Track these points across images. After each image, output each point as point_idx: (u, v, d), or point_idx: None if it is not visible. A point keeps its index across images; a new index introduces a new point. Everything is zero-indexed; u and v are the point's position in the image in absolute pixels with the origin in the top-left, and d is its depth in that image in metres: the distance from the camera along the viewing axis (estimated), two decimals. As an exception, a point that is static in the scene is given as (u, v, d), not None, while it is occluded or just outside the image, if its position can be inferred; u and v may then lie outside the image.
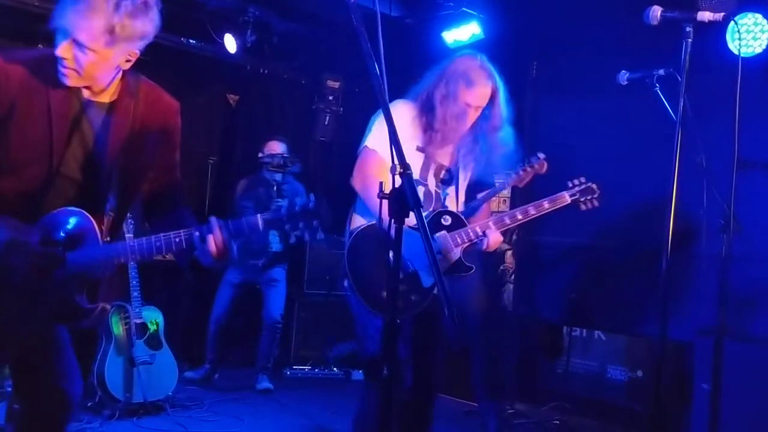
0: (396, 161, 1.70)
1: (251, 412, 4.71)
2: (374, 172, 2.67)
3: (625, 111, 4.28)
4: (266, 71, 6.61)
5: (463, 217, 2.83)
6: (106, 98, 2.11)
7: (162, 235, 2.05)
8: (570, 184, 2.99)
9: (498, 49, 4.59)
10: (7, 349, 2.12)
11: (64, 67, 1.96)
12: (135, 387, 4.32)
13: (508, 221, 2.84)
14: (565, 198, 2.96)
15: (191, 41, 6.02)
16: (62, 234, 2.03)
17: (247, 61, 6.34)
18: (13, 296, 1.99)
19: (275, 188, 5.32)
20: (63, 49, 1.93)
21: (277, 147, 5.45)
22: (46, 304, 2.04)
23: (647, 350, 4.62)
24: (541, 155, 3.19)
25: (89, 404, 4.30)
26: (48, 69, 1.99)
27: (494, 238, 2.79)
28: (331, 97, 6.58)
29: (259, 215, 2.05)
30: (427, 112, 2.82)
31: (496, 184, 3.17)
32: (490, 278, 4.50)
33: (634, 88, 3.07)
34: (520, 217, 2.87)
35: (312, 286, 6.07)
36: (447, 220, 2.79)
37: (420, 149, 2.84)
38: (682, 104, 2.56)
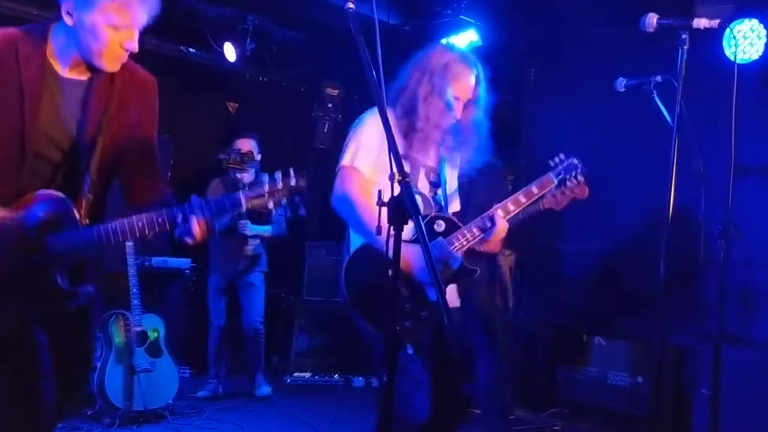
0: (395, 169, 1.70)
1: (251, 419, 4.71)
2: (356, 188, 2.56)
3: (622, 117, 4.30)
4: (265, 79, 6.64)
5: (455, 219, 2.70)
6: (84, 75, 2.07)
7: (144, 215, 2.01)
8: (552, 163, 2.83)
9: (496, 56, 4.60)
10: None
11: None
12: (135, 395, 4.32)
13: (501, 213, 2.68)
14: (551, 179, 2.79)
15: (191, 50, 6.05)
16: (39, 217, 1.98)
17: (247, 69, 6.37)
18: None
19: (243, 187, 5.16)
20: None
21: (245, 144, 5.19)
22: (27, 290, 2.00)
23: (648, 355, 4.62)
24: (580, 177, 2.85)
25: (89, 412, 4.31)
26: (19, 47, 1.97)
27: (503, 227, 2.65)
28: (330, 105, 6.60)
29: (241, 192, 2.03)
30: (408, 113, 2.67)
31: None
32: (498, 284, 4.41)
33: (631, 95, 3.08)
34: (512, 207, 2.70)
35: (311, 293, 6.08)
36: (440, 226, 2.64)
37: (404, 156, 2.64)
38: (678, 110, 2.58)
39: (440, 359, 2.64)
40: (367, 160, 2.60)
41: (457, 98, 2.67)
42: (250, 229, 5.10)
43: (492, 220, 2.66)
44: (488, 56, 2.87)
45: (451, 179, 2.86)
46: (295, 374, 5.95)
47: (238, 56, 6.02)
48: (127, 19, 1.98)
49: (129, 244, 4.36)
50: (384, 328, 2.46)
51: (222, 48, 5.98)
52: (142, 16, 2.00)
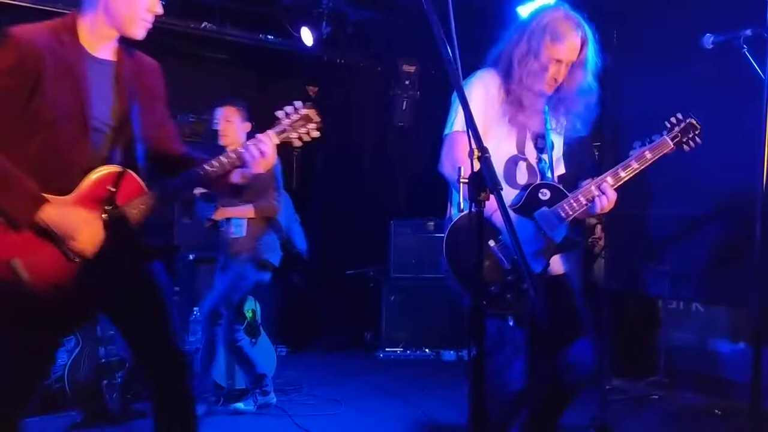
0: (474, 145, 1.71)
1: (347, 394, 4.84)
2: (464, 155, 2.58)
3: (711, 75, 4.11)
4: (343, 61, 6.71)
5: (561, 187, 2.57)
6: (112, 56, 2.30)
7: (214, 160, 2.27)
8: (668, 125, 2.63)
9: (575, 20, 4.49)
10: (96, 306, 2.32)
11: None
12: (237, 373, 4.52)
13: (611, 181, 2.56)
14: (667, 143, 2.59)
15: (269, 37, 6.18)
16: (111, 190, 2.21)
17: (324, 52, 6.46)
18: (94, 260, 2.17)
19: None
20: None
21: (219, 112, 4.41)
22: (125, 254, 2.24)
23: (749, 320, 4.45)
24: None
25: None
26: (60, 35, 2.18)
27: (612, 197, 2.53)
28: (407, 82, 6.61)
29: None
30: (506, 76, 2.61)
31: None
32: (588, 254, 4.34)
33: (720, 51, 2.95)
34: (622, 174, 2.56)
35: (398, 270, 6.17)
36: (545, 195, 2.53)
37: (511, 121, 2.63)
38: (770, 64, 2.46)
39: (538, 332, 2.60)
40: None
41: (558, 61, 2.56)
42: (211, 209, 4.35)
43: (600, 188, 2.53)
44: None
45: (557, 145, 2.77)
46: (387, 349, 6.07)
47: (315, 40, 6.11)
48: None
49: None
50: (475, 300, 2.49)
51: (299, 33, 6.08)
52: None
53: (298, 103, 2.32)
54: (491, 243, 2.48)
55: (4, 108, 2.09)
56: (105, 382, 3.99)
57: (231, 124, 4.36)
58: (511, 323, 2.50)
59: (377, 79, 6.96)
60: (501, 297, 2.43)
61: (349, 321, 6.50)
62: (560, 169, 2.82)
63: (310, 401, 4.68)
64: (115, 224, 2.20)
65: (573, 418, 4.33)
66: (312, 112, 2.32)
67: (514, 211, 2.53)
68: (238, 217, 4.37)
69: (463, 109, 1.79)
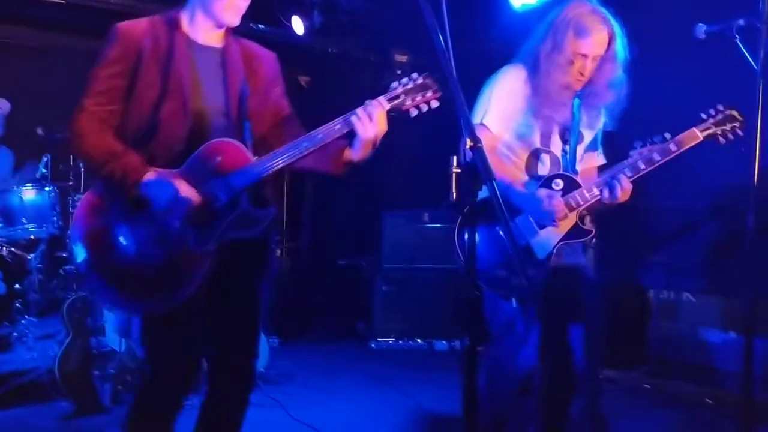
0: (466, 135, 1.71)
1: (340, 384, 4.86)
2: (486, 148, 2.58)
3: (704, 65, 4.11)
4: (335, 50, 6.68)
5: (576, 178, 2.63)
6: (217, 42, 2.38)
7: (319, 128, 2.27)
8: (703, 116, 2.62)
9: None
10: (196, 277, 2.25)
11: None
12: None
13: (629, 173, 2.58)
14: (696, 135, 2.59)
15: (260, 26, 6.14)
16: (219, 161, 2.21)
17: (316, 41, 6.43)
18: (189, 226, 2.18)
19: None
20: None
21: None
22: (225, 224, 2.21)
23: (740, 310, 4.48)
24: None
25: (188, 382, 4.54)
26: (163, 25, 2.30)
27: (627, 188, 2.57)
28: (399, 72, 6.59)
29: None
30: (533, 71, 2.66)
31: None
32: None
33: (713, 41, 2.94)
34: (643, 166, 2.57)
35: (391, 261, 6.16)
36: (558, 185, 2.59)
37: (536, 115, 2.69)
38: (762, 55, 2.45)
39: (553, 323, 2.67)
40: (495, 117, 2.65)
41: (584, 55, 2.60)
42: None
43: (616, 179, 2.56)
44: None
45: (588, 138, 2.80)
46: (379, 339, 6.07)
47: (306, 29, 6.08)
48: None
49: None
50: (498, 290, 2.52)
51: (290, 22, 6.04)
52: None
53: (414, 75, 2.33)
54: (499, 232, 2.53)
55: (113, 92, 2.23)
56: (96, 373, 3.98)
57: None
58: (514, 305, 2.57)
59: (369, 69, 6.94)
60: (507, 281, 2.50)
61: (341, 311, 6.50)
62: (596, 161, 2.85)
63: (302, 392, 4.68)
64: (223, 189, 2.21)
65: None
66: (429, 81, 2.30)
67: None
68: None
69: (455, 99, 1.79)
